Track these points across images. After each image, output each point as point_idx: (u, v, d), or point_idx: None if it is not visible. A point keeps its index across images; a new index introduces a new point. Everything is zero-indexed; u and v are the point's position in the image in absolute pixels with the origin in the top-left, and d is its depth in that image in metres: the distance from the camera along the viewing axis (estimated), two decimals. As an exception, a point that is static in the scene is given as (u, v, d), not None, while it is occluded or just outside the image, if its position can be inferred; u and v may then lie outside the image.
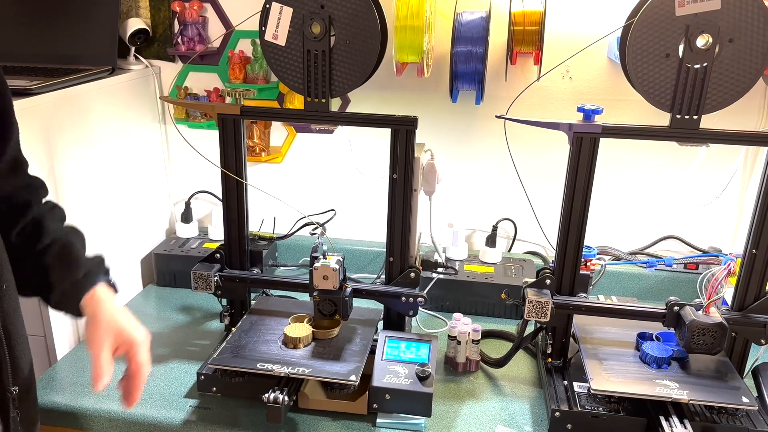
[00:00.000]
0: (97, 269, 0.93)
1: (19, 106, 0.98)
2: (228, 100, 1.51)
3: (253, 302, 1.27)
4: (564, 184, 1.07)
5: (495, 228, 1.48)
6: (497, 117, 1.10)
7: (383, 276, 1.18)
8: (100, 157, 1.34)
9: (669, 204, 1.49)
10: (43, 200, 0.94)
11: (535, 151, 1.47)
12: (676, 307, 1.06)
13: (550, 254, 1.53)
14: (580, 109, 1.04)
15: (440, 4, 1.39)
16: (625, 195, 1.50)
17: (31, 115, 1.13)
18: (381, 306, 1.19)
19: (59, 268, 0.89)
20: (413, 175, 1.12)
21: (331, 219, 1.34)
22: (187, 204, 1.60)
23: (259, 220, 1.59)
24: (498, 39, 1.38)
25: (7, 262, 0.82)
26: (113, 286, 0.94)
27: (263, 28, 1.08)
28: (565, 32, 1.38)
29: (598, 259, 1.21)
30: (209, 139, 1.58)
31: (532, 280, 1.12)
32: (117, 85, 1.40)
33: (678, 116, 0.99)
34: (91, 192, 1.31)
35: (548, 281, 1.10)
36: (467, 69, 1.32)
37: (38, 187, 0.94)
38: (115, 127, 1.39)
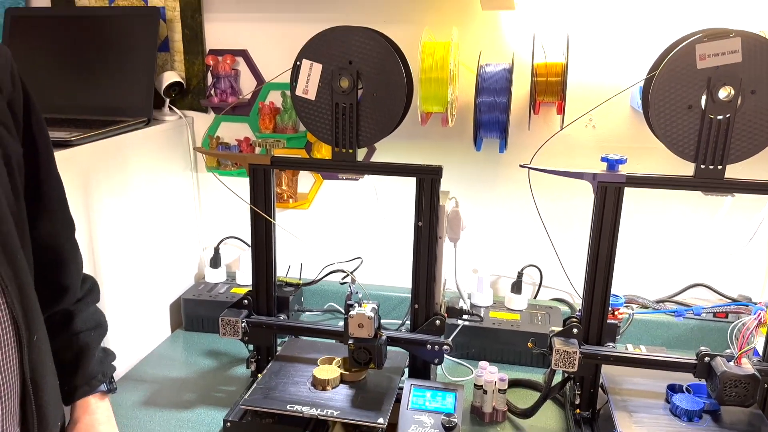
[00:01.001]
0: (102, 376, 0.98)
1: (59, 156, 1.03)
2: (258, 149, 1.56)
3: (279, 347, 1.28)
4: (589, 232, 1.07)
5: (520, 275, 1.48)
6: (521, 167, 1.12)
7: (408, 322, 1.19)
8: (134, 204, 1.38)
9: (696, 251, 1.48)
10: (82, 277, 0.99)
11: (560, 198, 1.48)
12: (706, 358, 1.04)
13: (577, 301, 1.52)
14: (604, 159, 1.05)
15: (464, 56, 1.43)
16: (652, 241, 1.49)
17: (70, 165, 1.18)
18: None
19: (67, 369, 0.94)
20: (438, 223, 1.13)
21: (358, 267, 1.36)
22: (216, 249, 1.64)
23: (285, 266, 1.62)
24: (521, 89, 1.40)
25: (39, 313, 0.85)
26: (111, 390, 0.99)
27: (294, 84, 1.12)
28: (587, 81, 1.41)
29: (626, 307, 1.20)
30: (239, 187, 1.62)
31: (559, 328, 1.11)
32: (152, 135, 1.46)
33: (702, 166, 0.99)
34: (124, 238, 1.35)
35: (575, 330, 1.09)
36: (491, 118, 1.34)
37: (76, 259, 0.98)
38: (149, 175, 1.44)
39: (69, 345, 0.95)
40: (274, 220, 1.21)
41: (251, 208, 1.19)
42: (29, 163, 0.89)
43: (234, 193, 1.26)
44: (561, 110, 1.31)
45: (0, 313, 0.76)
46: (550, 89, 1.31)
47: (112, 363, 1.02)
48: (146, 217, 1.43)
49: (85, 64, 1.50)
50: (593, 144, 1.45)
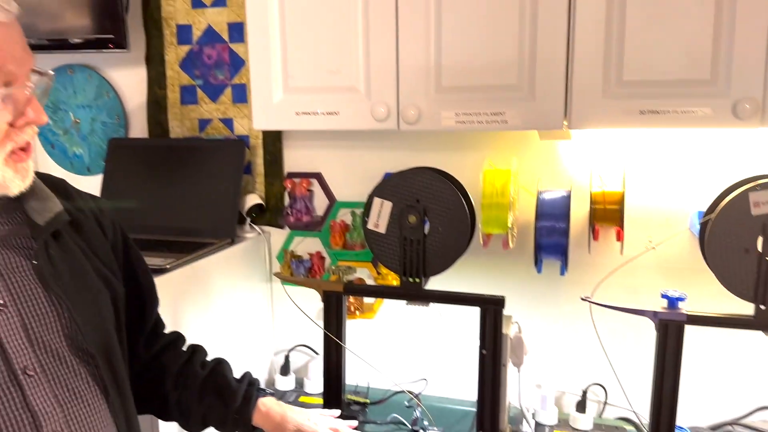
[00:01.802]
0: (250, 387, 1.08)
1: (155, 281, 1.15)
2: (331, 276, 1.65)
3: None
4: (653, 367, 1.09)
5: (585, 393, 1.49)
6: (582, 299, 1.16)
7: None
8: (214, 314, 1.49)
9: (762, 371, 1.45)
10: (183, 348, 1.11)
11: (623, 316, 1.50)
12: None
13: (644, 420, 1.50)
14: (664, 296, 1.09)
15: (523, 178, 1.51)
16: (716, 361, 1.47)
17: (164, 288, 1.29)
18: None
19: (220, 402, 1.05)
20: (502, 351, 1.18)
21: (424, 388, 1.41)
22: (287, 357, 1.72)
23: (353, 375, 1.67)
24: (579, 212, 1.46)
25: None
26: (268, 395, 1.10)
27: (366, 218, 1.23)
28: (645, 206, 1.45)
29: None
30: (309, 295, 1.72)
31: (624, 460, 1.12)
32: (234, 252, 1.59)
33: (762, 307, 1.01)
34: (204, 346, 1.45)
35: (641, 465, 1.10)
36: (551, 242, 1.40)
37: (175, 340, 1.12)
38: (230, 288, 1.56)
39: (205, 385, 1.06)
40: (345, 338, 1.29)
41: (324, 333, 1.28)
42: (133, 295, 1.02)
43: (307, 316, 1.35)
44: (620, 237, 1.35)
45: None
46: (608, 216, 1.37)
47: (254, 378, 1.12)
48: (224, 326, 1.54)
49: (176, 188, 1.67)
50: (654, 265, 1.47)
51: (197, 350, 1.13)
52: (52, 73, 0.83)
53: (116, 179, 1.72)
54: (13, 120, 0.78)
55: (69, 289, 0.85)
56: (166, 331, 1.13)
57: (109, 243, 0.98)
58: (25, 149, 0.81)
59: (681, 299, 1.08)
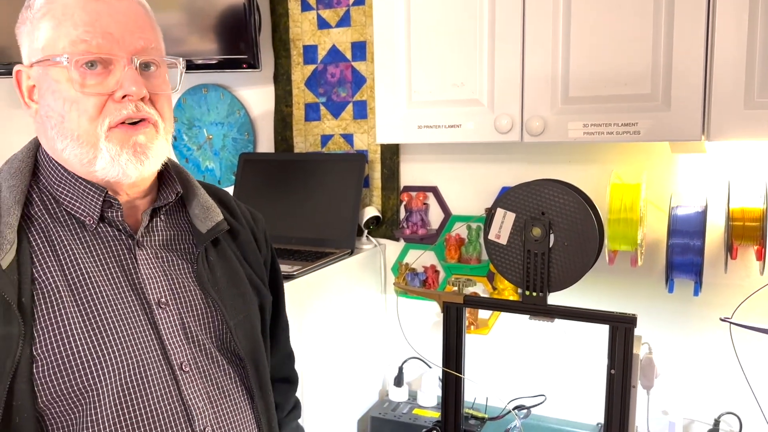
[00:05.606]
0: None
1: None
2: (451, 288, 1.66)
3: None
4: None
5: (717, 423, 1.39)
6: (721, 320, 1.09)
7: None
8: (332, 322, 1.54)
9: None
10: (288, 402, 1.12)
11: (764, 343, 1.39)
12: None
13: (787, 458, 1.38)
14: (818, 320, 1.00)
15: (652, 195, 1.45)
16: None
17: (289, 294, 1.35)
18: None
19: None
20: (631, 372, 1.13)
21: (540, 404, 1.38)
22: (400, 369, 1.74)
23: (471, 387, 1.66)
24: (714, 230, 1.38)
25: None
26: None
27: (487, 229, 1.22)
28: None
29: None
30: (424, 309, 1.73)
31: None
32: (352, 262, 1.63)
33: None
34: (322, 355, 1.50)
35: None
36: (684, 261, 1.33)
37: (286, 390, 1.12)
38: (347, 296, 1.60)
39: None
40: (464, 356, 1.28)
41: (443, 370, 1.28)
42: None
43: (417, 352, 1.35)
44: (761, 256, 1.26)
45: None
46: (747, 234, 1.28)
47: None
48: (341, 334, 1.58)
49: (300, 200, 1.74)
50: (801, 288, 1.36)
51: (296, 408, 1.13)
52: (178, 59, 0.84)
53: (246, 191, 1.82)
54: (110, 92, 0.77)
55: (224, 294, 0.90)
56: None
57: (263, 257, 1.03)
58: (134, 124, 0.78)
59: (840, 324, 0.98)
